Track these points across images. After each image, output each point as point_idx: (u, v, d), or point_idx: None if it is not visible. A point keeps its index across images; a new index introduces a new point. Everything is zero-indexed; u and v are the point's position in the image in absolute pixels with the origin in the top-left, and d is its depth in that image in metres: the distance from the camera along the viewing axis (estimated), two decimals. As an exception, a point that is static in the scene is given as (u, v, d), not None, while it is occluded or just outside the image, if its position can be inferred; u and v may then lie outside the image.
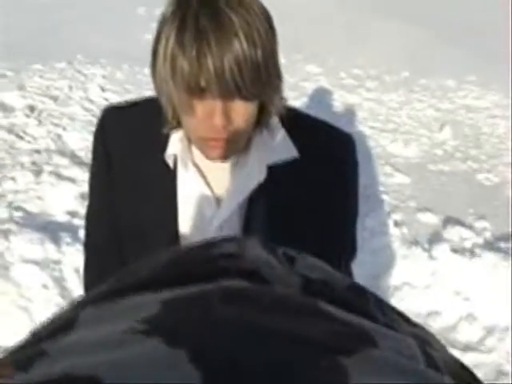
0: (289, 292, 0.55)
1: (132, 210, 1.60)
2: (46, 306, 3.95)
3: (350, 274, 1.78)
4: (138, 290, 0.55)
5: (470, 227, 5.19)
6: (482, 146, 7.06)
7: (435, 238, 5.01)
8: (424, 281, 4.58)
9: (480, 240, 4.97)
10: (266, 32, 1.31)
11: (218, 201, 1.55)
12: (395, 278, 4.63)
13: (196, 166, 1.55)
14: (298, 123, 1.57)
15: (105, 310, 0.53)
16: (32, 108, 7.13)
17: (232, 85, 1.26)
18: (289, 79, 8.25)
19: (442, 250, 4.76)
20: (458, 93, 8.46)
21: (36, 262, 4.24)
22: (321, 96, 8.02)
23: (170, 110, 1.44)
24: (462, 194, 5.87)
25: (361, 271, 4.64)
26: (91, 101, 7.45)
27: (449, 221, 5.28)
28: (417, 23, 10.66)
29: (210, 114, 1.33)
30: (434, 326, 4.29)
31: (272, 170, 1.52)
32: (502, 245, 4.91)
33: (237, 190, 1.53)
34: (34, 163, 5.80)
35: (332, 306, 0.53)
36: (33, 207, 5.05)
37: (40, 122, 6.76)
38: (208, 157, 1.46)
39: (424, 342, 0.55)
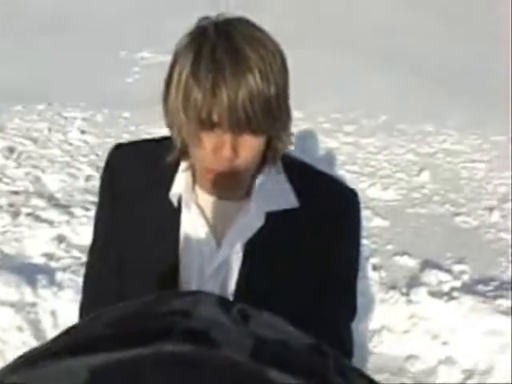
0: (236, 358, 0.51)
1: (135, 247, 1.60)
2: (21, 349, 3.90)
3: (350, 332, 1.80)
4: (74, 352, 0.52)
5: (448, 270, 5.18)
6: (461, 189, 7.08)
7: (413, 282, 5.01)
8: (402, 325, 4.57)
9: (458, 283, 4.97)
10: (278, 68, 1.35)
11: (219, 242, 1.56)
12: (374, 321, 4.61)
13: (199, 206, 1.55)
14: (301, 172, 1.61)
15: (34, 376, 0.51)
16: (11, 149, 7.11)
17: (243, 118, 1.28)
18: (268, 123, 8.22)
19: (420, 294, 4.76)
20: (437, 137, 8.50)
21: (12, 305, 4.20)
22: (300, 140, 8.04)
23: (179, 141, 1.45)
24: (441, 238, 5.88)
25: (339, 315, 4.63)
26: (70, 143, 7.44)
27: (427, 264, 5.28)
28: (396, 68, 10.75)
29: (218, 147, 1.34)
30: (413, 369, 4.27)
31: (272, 216, 1.52)
32: (481, 288, 4.92)
33: (237, 234, 1.54)
34: (11, 205, 5.77)
35: (283, 373, 0.49)
36: (10, 249, 5.01)
37: (19, 164, 6.74)
38: (209, 190, 1.49)
39: None
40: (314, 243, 1.57)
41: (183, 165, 1.53)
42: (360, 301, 4.94)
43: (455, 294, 4.75)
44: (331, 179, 1.67)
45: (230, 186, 1.46)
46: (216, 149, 1.35)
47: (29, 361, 0.54)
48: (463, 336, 4.39)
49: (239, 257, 1.55)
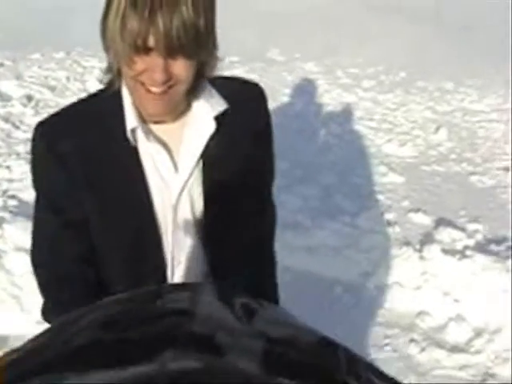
0: (247, 369, 0.46)
1: (105, 200, 1.63)
2: (37, 294, 3.95)
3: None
4: (69, 363, 0.46)
5: (462, 229, 5.20)
6: (478, 149, 7.07)
7: (427, 239, 5.03)
8: (414, 281, 4.59)
9: (471, 242, 4.98)
10: (209, 2, 1.45)
11: (176, 166, 1.64)
12: (386, 277, 4.64)
13: (154, 135, 1.61)
14: (216, 80, 1.67)
15: None
16: (29, 98, 7.13)
17: (177, 43, 1.38)
18: (287, 77, 8.26)
19: (433, 251, 4.77)
20: (455, 95, 8.47)
21: (28, 251, 4.24)
22: (318, 94, 8.02)
23: (115, 65, 1.56)
24: (455, 196, 5.89)
25: (352, 269, 4.67)
26: (88, 92, 7.43)
27: (441, 222, 5.29)
28: (416, 23, 10.66)
29: (151, 69, 1.43)
30: (423, 326, 4.30)
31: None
32: (494, 247, 4.93)
33: (190, 148, 1.63)
34: (29, 152, 5.79)
35: (296, 380, 0.45)
36: (27, 196, 5.05)
37: (37, 112, 6.76)
38: (149, 113, 1.55)
39: None
40: (247, 142, 1.72)
41: (127, 103, 1.60)
42: (373, 256, 4.96)
43: (468, 252, 4.77)
44: (239, 79, 1.81)
45: (168, 108, 1.53)
46: (149, 70, 1.43)
47: (24, 375, 0.46)
48: (474, 294, 4.42)
49: (199, 171, 1.64)
